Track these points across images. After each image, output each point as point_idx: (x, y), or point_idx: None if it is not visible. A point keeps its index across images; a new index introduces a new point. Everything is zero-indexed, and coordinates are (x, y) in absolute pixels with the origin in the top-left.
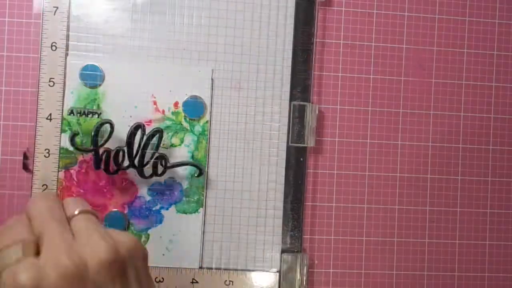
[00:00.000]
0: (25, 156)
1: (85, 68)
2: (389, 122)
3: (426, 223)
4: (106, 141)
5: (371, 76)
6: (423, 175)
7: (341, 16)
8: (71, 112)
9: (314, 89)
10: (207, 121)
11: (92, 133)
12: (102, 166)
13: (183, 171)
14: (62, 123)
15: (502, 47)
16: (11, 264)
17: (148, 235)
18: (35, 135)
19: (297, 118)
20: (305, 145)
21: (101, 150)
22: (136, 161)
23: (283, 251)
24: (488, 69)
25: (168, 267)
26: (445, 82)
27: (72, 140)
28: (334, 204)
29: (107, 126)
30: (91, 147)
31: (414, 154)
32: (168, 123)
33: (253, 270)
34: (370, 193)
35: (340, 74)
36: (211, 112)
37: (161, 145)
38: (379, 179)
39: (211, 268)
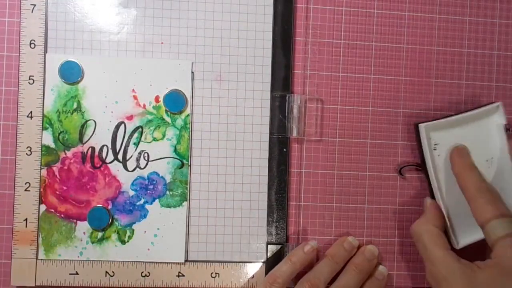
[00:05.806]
0: None
1: (64, 64)
2: (389, 122)
3: None
4: (90, 137)
5: (371, 76)
6: (424, 175)
7: (340, 16)
8: (57, 111)
9: (299, 81)
10: (188, 115)
11: (78, 130)
12: (88, 162)
13: (165, 165)
14: (43, 120)
15: (502, 47)
16: (502, 236)
17: (133, 230)
18: (16, 133)
19: (278, 108)
20: (287, 135)
21: (86, 147)
22: (120, 156)
23: (268, 242)
24: (488, 69)
25: (154, 262)
26: (445, 82)
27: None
28: (334, 204)
29: (91, 122)
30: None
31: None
32: (149, 117)
33: (239, 262)
34: (370, 193)
35: (340, 74)
36: (192, 105)
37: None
38: (380, 179)
39: (197, 261)
